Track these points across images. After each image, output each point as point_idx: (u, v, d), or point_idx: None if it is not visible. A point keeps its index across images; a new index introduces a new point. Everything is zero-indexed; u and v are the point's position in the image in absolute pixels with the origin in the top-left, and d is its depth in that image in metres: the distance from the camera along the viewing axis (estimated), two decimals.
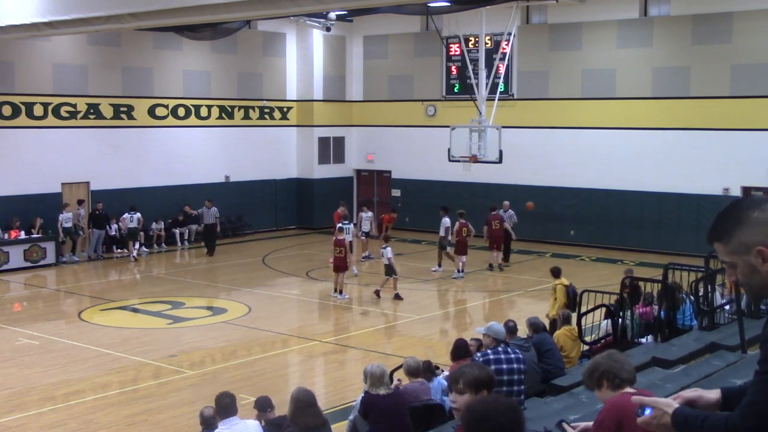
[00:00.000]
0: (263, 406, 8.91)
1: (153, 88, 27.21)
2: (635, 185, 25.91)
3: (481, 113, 23.02)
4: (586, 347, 12.17)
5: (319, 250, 25.62)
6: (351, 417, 8.91)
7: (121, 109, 26.42)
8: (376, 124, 31.47)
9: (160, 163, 27.24)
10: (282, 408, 8.84)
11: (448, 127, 23.86)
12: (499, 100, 24.47)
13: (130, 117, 26.67)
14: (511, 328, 10.66)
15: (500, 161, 22.72)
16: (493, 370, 7.16)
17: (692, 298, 11.85)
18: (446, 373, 10.19)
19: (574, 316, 12.46)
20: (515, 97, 28.08)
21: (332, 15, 28.36)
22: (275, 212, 30.80)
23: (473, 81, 24.87)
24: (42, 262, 23.45)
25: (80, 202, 25.19)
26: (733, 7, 24.20)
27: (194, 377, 13.85)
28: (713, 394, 2.98)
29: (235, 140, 29.32)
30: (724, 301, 12.19)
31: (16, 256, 23.00)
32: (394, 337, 17.22)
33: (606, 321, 12.70)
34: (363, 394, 8.58)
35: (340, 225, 21.37)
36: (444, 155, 23.77)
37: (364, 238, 24.90)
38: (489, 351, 8.64)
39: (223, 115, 29.13)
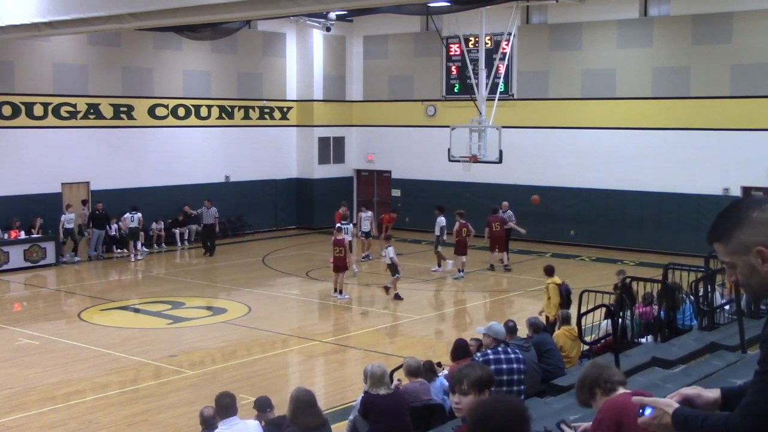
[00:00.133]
0: (263, 406, 8.91)
1: (153, 88, 27.21)
2: (635, 185, 25.91)
3: (481, 113, 23.01)
4: (586, 347, 12.17)
5: (319, 250, 25.61)
6: (351, 417, 8.91)
7: (121, 109, 26.43)
8: (376, 124, 31.47)
9: (160, 163, 27.24)
10: (282, 408, 8.84)
11: (448, 127, 23.86)
12: (499, 100, 24.46)
13: (130, 117, 26.67)
14: (511, 328, 10.67)
15: (500, 161, 22.71)
16: (493, 370, 7.17)
17: (692, 298, 11.85)
18: (446, 371, 10.20)
19: (573, 316, 12.45)
20: (515, 97, 28.08)
21: (332, 15, 28.36)
22: (275, 212, 30.80)
23: (473, 81, 24.87)
24: (42, 262, 23.45)
25: (84, 203, 25.20)
26: (733, 7, 24.19)
27: (194, 377, 13.85)
28: (713, 394, 2.98)
29: (235, 140, 29.32)
30: (724, 301, 12.19)
31: (16, 256, 23.00)
32: (394, 337, 17.22)
33: (606, 321, 12.69)
34: (363, 394, 8.59)
35: (338, 225, 21.38)
36: (444, 155, 23.77)
37: (363, 238, 24.89)
38: (489, 351, 8.64)
39: (223, 115, 29.13)
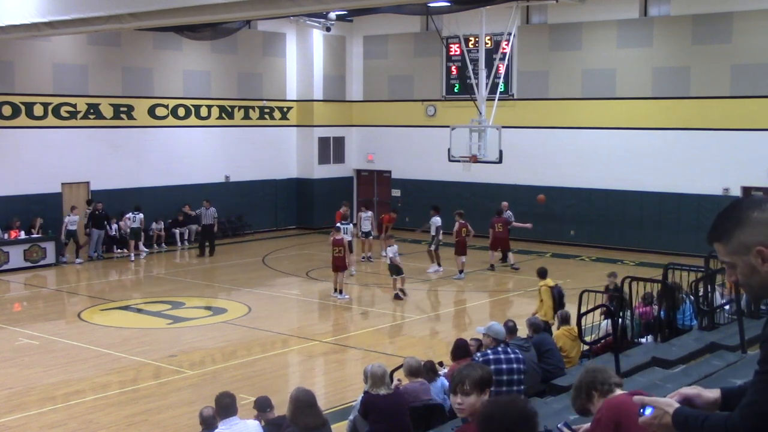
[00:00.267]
0: (263, 406, 8.91)
1: (153, 88, 27.21)
2: (635, 185, 25.91)
3: (481, 113, 23.01)
4: (586, 347, 12.17)
5: (319, 250, 25.60)
6: (351, 417, 8.91)
7: (121, 109, 26.43)
8: (376, 124, 31.47)
9: (160, 163, 27.24)
10: (282, 408, 8.84)
11: (448, 127, 23.86)
12: (499, 100, 24.47)
13: (130, 117, 26.67)
14: (511, 328, 10.67)
15: (500, 161, 22.71)
16: (492, 370, 7.17)
17: (692, 298, 11.85)
18: (446, 370, 10.20)
19: (573, 316, 12.45)
20: (515, 97, 28.08)
21: (332, 15, 28.36)
22: (275, 212, 30.80)
23: (473, 81, 24.87)
24: (42, 262, 23.45)
25: (90, 203, 25.21)
26: (733, 7, 24.19)
27: (194, 377, 13.85)
28: (712, 394, 2.98)
29: (235, 140, 29.32)
30: (724, 301, 12.19)
31: (16, 256, 23.00)
32: (394, 337, 17.22)
33: (606, 321, 12.69)
34: (363, 394, 8.58)
35: (338, 225, 21.38)
36: (444, 155, 23.77)
37: (363, 238, 24.86)
38: (489, 351, 8.64)
39: (223, 115, 29.13)
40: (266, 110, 30.33)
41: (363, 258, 24.78)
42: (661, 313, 12.06)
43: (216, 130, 28.93)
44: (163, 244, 26.81)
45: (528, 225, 24.06)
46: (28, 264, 23.20)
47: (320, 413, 7.73)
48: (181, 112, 27.93)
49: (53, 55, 24.85)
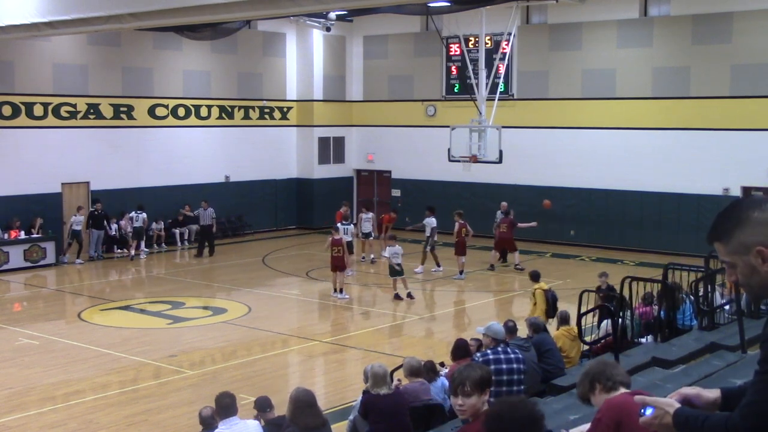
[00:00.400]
0: (263, 406, 8.90)
1: (153, 88, 27.21)
2: (635, 185, 25.91)
3: (481, 113, 23.01)
4: (586, 347, 12.17)
5: (319, 250, 25.51)
6: (351, 417, 8.91)
7: (121, 109, 26.42)
8: (376, 124, 31.47)
9: (160, 163, 27.23)
10: (282, 408, 8.84)
11: (448, 127, 23.86)
12: (499, 100, 24.46)
13: (130, 117, 26.67)
14: (510, 328, 10.66)
15: (500, 161, 22.71)
16: (492, 370, 7.17)
17: (692, 298, 11.85)
18: (446, 370, 10.19)
19: (573, 316, 12.45)
20: (515, 97, 28.08)
21: (332, 15, 28.36)
22: (275, 212, 30.80)
23: (473, 81, 24.87)
24: (42, 262, 23.45)
25: (95, 202, 25.21)
26: (733, 7, 24.19)
27: (194, 377, 13.85)
28: (712, 394, 2.98)
29: (235, 140, 29.32)
30: (724, 301, 12.19)
31: (16, 256, 23.00)
32: (394, 337, 17.22)
33: (606, 321, 12.69)
34: (362, 394, 8.58)
35: (337, 225, 21.37)
36: (444, 155, 23.76)
37: (364, 239, 24.83)
38: (489, 351, 8.64)
39: (223, 115, 29.13)
40: (266, 110, 30.33)
41: (362, 259, 24.77)
42: (661, 313, 12.06)
43: (216, 130, 28.92)
44: (163, 244, 26.80)
45: (533, 224, 24.03)
46: (28, 264, 23.21)
47: (320, 413, 7.73)
48: (181, 112, 27.93)
49: (53, 55, 24.84)
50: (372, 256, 24.67)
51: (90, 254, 24.82)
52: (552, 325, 13.53)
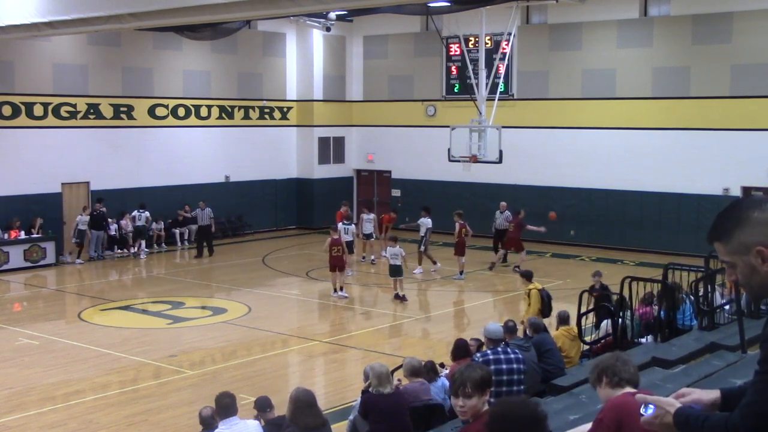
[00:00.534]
0: (263, 406, 8.90)
1: (153, 88, 27.20)
2: (635, 185, 25.91)
3: (481, 113, 23.01)
4: (586, 347, 12.17)
5: (319, 250, 25.52)
6: (351, 417, 8.90)
7: (121, 109, 26.42)
8: (376, 124, 31.47)
9: (160, 163, 27.23)
10: (282, 408, 8.84)
11: (448, 127, 23.85)
12: (499, 100, 24.46)
13: (130, 117, 26.66)
14: (510, 328, 10.66)
15: (500, 161, 22.71)
16: (492, 370, 7.18)
17: (692, 298, 11.84)
18: (447, 371, 10.19)
19: (573, 316, 12.45)
20: (515, 97, 28.08)
21: (332, 15, 28.35)
22: (275, 212, 30.80)
23: (473, 81, 24.87)
24: (42, 262, 23.45)
25: (99, 200, 25.21)
26: (733, 7, 24.19)
27: (194, 377, 13.85)
28: (712, 395, 2.98)
29: (235, 140, 29.32)
30: (724, 301, 12.19)
31: (16, 256, 23.01)
32: (394, 337, 17.22)
33: (606, 321, 12.69)
34: (362, 394, 8.58)
35: (338, 225, 21.36)
36: (444, 155, 23.76)
37: (364, 239, 24.80)
38: (489, 351, 8.64)
39: (223, 115, 29.13)
40: (266, 110, 30.33)
41: (362, 259, 24.76)
42: (661, 313, 12.05)
43: (216, 130, 28.92)
44: (163, 244, 26.80)
45: (542, 229, 24.00)
46: (28, 264, 23.21)
47: (320, 413, 7.73)
48: (181, 112, 27.93)
49: (53, 55, 24.84)
50: (372, 257, 24.64)
51: (90, 254, 24.82)
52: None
